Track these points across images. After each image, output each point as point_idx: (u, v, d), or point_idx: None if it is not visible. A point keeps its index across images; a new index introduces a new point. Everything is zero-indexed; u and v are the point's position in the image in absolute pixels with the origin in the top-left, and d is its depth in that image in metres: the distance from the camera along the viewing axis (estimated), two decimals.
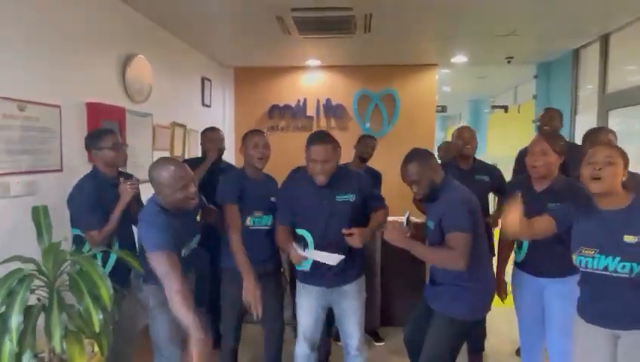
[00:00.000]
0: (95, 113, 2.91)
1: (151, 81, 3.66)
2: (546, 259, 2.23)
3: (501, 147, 7.15)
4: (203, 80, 5.01)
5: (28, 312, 1.79)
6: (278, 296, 2.59)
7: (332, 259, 2.21)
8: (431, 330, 2.15)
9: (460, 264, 1.98)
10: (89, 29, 2.94)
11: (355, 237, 2.16)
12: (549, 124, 3.21)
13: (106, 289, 1.88)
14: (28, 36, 2.43)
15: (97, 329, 1.81)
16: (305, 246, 2.30)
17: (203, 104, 5.03)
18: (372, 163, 3.66)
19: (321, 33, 4.03)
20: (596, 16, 3.73)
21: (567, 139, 3.79)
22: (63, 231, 2.34)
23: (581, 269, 1.83)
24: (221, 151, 3.32)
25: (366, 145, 3.57)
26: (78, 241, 2.32)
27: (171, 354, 2.23)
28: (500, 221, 2.47)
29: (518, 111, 6.69)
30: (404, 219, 2.26)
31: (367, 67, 5.58)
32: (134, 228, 2.38)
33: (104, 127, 2.65)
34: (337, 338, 2.86)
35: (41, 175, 2.50)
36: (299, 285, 2.41)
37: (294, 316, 2.46)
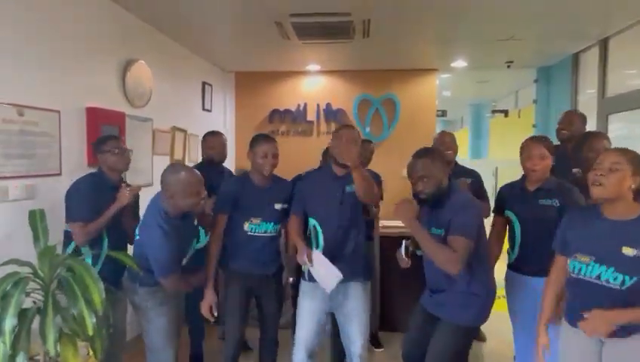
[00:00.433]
0: (95, 118, 2.92)
1: (151, 86, 3.68)
2: (540, 258, 2.20)
3: (502, 152, 7.14)
4: (204, 85, 5.03)
5: (23, 315, 1.79)
6: (277, 301, 2.58)
7: (331, 276, 2.22)
8: (436, 340, 2.10)
9: (455, 268, 1.95)
10: (89, 34, 2.96)
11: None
12: (568, 128, 3.09)
13: (98, 293, 1.87)
14: (27, 40, 2.45)
15: (91, 333, 1.81)
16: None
17: (204, 109, 5.04)
18: (372, 167, 3.64)
19: (320, 38, 4.03)
20: (596, 19, 3.71)
21: None
22: (60, 235, 2.35)
23: (572, 275, 1.81)
24: (223, 156, 3.31)
25: (364, 149, 3.52)
26: (67, 237, 2.32)
27: (167, 357, 2.23)
28: None
29: (519, 116, 6.67)
30: (402, 250, 2.22)
31: (367, 72, 5.58)
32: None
33: (109, 134, 2.67)
34: None
35: (39, 179, 2.51)
36: (304, 285, 2.40)
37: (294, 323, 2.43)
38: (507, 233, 2.51)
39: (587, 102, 4.62)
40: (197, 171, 2.19)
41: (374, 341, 3.48)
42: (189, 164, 4.26)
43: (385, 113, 5.64)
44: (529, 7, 3.35)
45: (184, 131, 4.41)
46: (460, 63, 5.24)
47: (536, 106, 5.60)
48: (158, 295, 2.20)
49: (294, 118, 5.70)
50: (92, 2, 3.00)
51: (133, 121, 3.44)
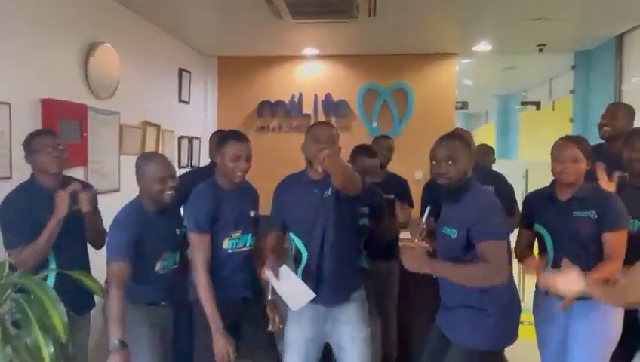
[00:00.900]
0: (51, 111, 2.94)
1: (118, 74, 3.70)
2: None
3: (533, 151, 7.15)
4: (181, 72, 5.06)
5: None
6: (263, 325, 2.56)
7: (300, 293, 2.23)
8: None
9: (499, 278, 2.01)
10: (45, 13, 2.97)
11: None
12: (611, 123, 3.07)
13: (59, 317, 1.87)
14: None
15: None
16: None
17: (180, 100, 5.07)
18: None
19: (318, 17, 4.05)
20: None
21: None
22: None
23: None
24: None
25: (380, 147, 3.45)
26: (11, 266, 2.32)
27: None
28: None
29: (553, 109, 6.70)
30: (423, 219, 2.30)
31: (374, 57, 5.61)
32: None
33: (39, 129, 2.62)
34: None
35: None
36: (289, 314, 2.41)
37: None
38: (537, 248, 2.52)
39: (633, 91, 4.64)
40: (168, 161, 2.40)
41: None
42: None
43: (395, 106, 5.66)
44: None
45: (157, 126, 4.43)
46: (483, 46, 5.26)
47: (574, 97, 5.63)
48: (139, 312, 2.31)
49: (288, 111, 5.72)
50: None
51: (96, 114, 3.45)
